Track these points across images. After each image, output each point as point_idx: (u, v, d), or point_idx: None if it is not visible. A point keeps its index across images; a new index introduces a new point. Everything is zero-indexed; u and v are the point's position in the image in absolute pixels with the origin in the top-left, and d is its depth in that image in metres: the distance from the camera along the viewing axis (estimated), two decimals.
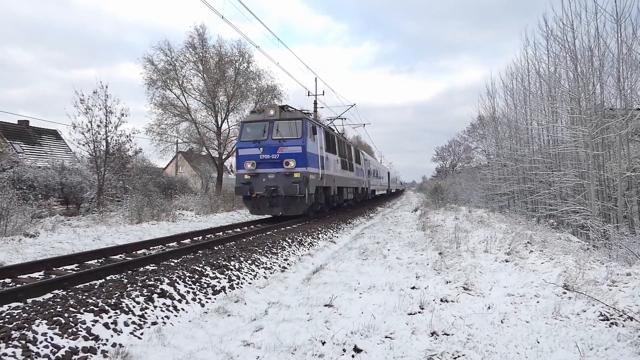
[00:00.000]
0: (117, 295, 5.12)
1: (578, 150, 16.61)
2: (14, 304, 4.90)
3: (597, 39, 15.62)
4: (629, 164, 14.28)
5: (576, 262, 6.91)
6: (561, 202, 17.67)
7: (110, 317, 4.58)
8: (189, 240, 10.81)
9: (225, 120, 30.82)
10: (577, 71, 16.37)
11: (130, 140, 19.43)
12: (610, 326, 4.29)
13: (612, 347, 3.81)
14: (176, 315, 5.27)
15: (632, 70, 14.98)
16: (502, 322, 4.66)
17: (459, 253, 8.61)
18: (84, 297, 5.02)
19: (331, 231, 14.75)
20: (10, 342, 3.65)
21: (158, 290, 5.57)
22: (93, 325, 4.34)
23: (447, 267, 7.48)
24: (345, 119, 30.00)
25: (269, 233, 12.33)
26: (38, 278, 6.37)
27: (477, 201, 30.08)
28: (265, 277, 7.71)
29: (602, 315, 4.53)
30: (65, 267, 7.17)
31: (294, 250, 10.31)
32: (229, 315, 5.43)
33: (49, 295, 5.37)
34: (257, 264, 8.25)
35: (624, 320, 4.35)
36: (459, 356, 3.82)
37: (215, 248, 9.46)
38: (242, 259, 8.16)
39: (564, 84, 18.10)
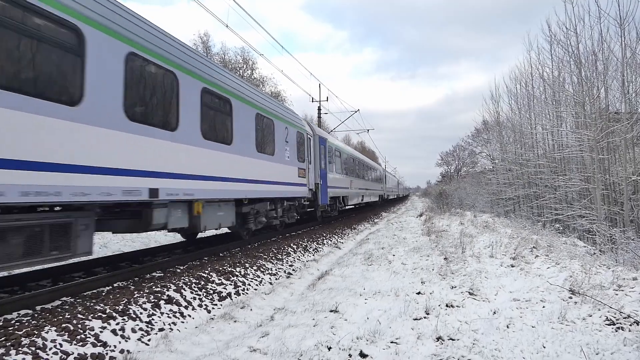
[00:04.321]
0: (124, 301, 5.16)
1: (583, 154, 16.57)
2: (23, 311, 4.96)
3: (600, 43, 15.66)
4: (635, 168, 14.21)
5: (582, 267, 6.90)
6: (567, 207, 17.60)
7: (118, 324, 4.63)
8: (194, 246, 10.86)
9: None
10: (581, 75, 16.39)
11: None
12: (616, 331, 4.28)
13: (618, 351, 3.80)
14: (183, 322, 5.31)
15: (637, 74, 14.97)
16: (507, 327, 4.66)
17: (464, 258, 8.60)
18: (91, 303, 5.07)
19: (336, 237, 14.77)
20: (20, 348, 3.70)
21: (165, 297, 5.61)
22: (101, 331, 4.39)
23: (453, 272, 7.47)
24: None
25: (273, 239, 12.37)
26: (46, 285, 6.43)
27: (482, 206, 30.02)
28: (270, 283, 7.73)
29: (608, 320, 4.52)
30: (73, 275, 7.24)
31: (299, 256, 10.34)
32: (235, 321, 5.46)
33: (58, 302, 5.43)
34: (262, 270, 8.29)
35: (630, 325, 4.34)
36: None
37: (221, 254, 9.51)
38: (247, 265, 8.20)
39: (568, 88, 18.12)
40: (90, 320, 4.49)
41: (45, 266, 8.22)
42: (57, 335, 4.07)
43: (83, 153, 5.17)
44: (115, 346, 4.27)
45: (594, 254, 10.14)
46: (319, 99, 30.20)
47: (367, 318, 5.12)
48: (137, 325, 4.78)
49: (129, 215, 6.67)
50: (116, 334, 4.46)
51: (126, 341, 4.43)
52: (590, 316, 4.70)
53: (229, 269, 7.58)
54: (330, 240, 13.75)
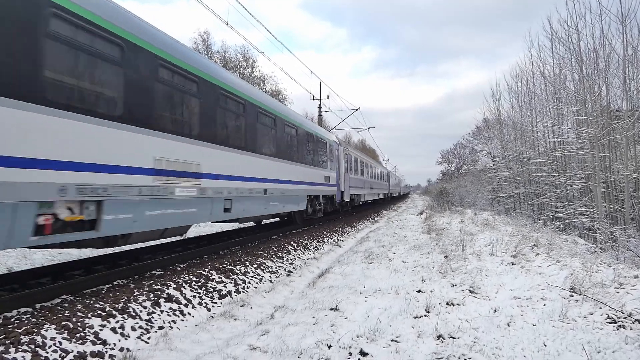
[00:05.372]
0: (124, 299, 5.15)
1: (584, 152, 16.53)
2: (23, 309, 4.95)
3: (602, 41, 15.60)
4: (636, 166, 14.18)
5: (583, 265, 6.88)
6: (567, 205, 17.57)
7: (117, 322, 4.61)
8: (194, 244, 10.84)
9: None
10: (582, 73, 16.33)
11: None
12: (617, 329, 4.26)
13: (619, 349, 3.78)
14: (182, 320, 5.29)
15: (639, 72, 14.92)
16: (508, 325, 4.64)
17: (464, 256, 8.58)
18: (91, 301, 5.06)
19: (336, 235, 14.76)
20: (19, 346, 3.69)
21: (164, 295, 5.60)
22: (101, 329, 4.37)
23: (453, 270, 7.46)
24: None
25: (274, 237, 12.36)
26: (46, 283, 6.42)
27: (483, 204, 30.00)
28: (270, 281, 7.72)
29: (610, 318, 4.50)
30: (72, 272, 7.23)
31: (299, 254, 10.33)
32: (235, 320, 5.45)
33: (57, 300, 5.42)
34: (262, 268, 8.28)
35: (632, 323, 4.33)
36: (465, 359, 3.81)
37: (221, 252, 9.50)
38: (247, 263, 8.19)
39: (569, 86, 18.07)
40: (89, 319, 4.48)
41: (45, 264, 8.22)
42: (57, 333, 4.06)
43: None
44: (114, 344, 4.26)
45: (595, 251, 10.11)
46: (320, 97, 30.12)
47: (367, 316, 5.11)
48: (137, 323, 4.77)
49: None
50: (116, 332, 4.45)
51: (126, 339, 4.42)
52: (592, 314, 4.68)
53: (229, 267, 7.57)
54: (331, 238, 13.74)
